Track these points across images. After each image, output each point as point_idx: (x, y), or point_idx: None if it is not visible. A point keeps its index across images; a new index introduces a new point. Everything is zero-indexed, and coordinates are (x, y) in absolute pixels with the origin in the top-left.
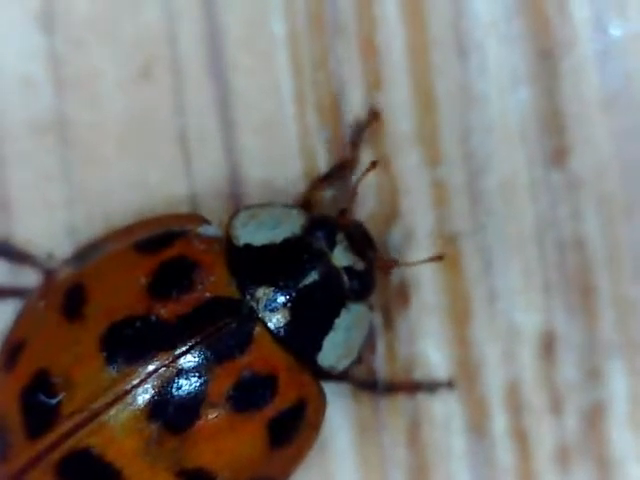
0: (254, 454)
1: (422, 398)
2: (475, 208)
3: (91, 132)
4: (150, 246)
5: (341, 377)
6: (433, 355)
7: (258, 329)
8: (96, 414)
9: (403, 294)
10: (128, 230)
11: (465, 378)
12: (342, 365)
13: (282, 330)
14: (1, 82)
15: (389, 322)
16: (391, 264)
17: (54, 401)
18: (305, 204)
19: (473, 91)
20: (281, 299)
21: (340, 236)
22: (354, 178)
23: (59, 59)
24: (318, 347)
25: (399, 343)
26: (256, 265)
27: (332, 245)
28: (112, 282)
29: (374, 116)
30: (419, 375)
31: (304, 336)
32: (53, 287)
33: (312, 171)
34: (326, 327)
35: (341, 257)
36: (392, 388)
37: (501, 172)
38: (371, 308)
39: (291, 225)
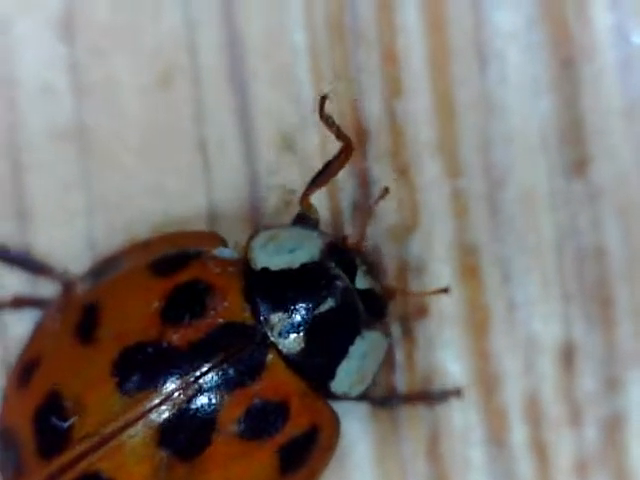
0: None
1: (441, 410)
2: (495, 218)
3: (111, 140)
4: (165, 268)
5: (355, 399)
6: (452, 366)
7: (271, 356)
8: (107, 439)
9: (422, 305)
10: (145, 246)
11: (484, 389)
12: (356, 391)
13: (295, 357)
14: (21, 90)
15: (408, 333)
16: (394, 292)
17: (66, 424)
18: (304, 212)
19: (493, 100)
20: (296, 326)
21: (359, 260)
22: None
23: (79, 67)
24: (331, 375)
25: (418, 354)
26: (272, 290)
27: (353, 269)
28: (125, 305)
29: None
30: (438, 386)
31: (317, 364)
32: (68, 305)
33: (332, 181)
34: (340, 355)
35: (362, 280)
36: (404, 400)
37: (521, 182)
38: (387, 335)
39: (310, 249)
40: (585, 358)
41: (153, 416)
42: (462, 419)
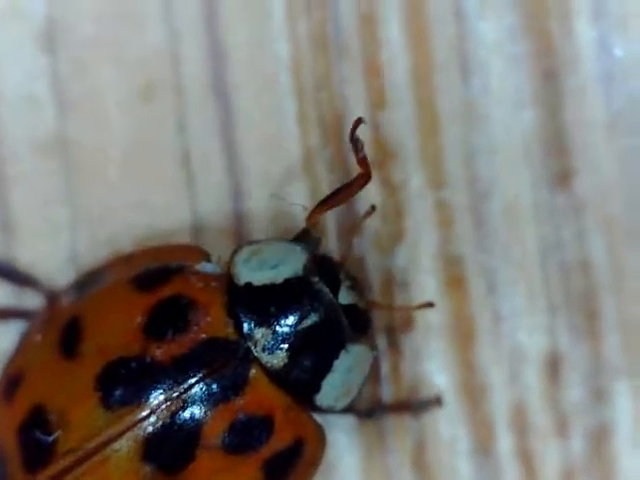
0: None
1: (427, 420)
2: (479, 230)
3: (94, 153)
4: (147, 282)
5: (340, 412)
6: (438, 377)
7: (254, 370)
8: (91, 453)
9: (407, 316)
10: (128, 259)
11: (470, 399)
12: (341, 404)
13: (279, 372)
14: (4, 102)
15: (394, 344)
16: (378, 306)
17: (50, 439)
18: (308, 229)
19: (477, 112)
20: (279, 341)
21: (343, 275)
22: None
23: (62, 80)
24: (316, 389)
25: (404, 365)
26: (255, 305)
27: (337, 284)
28: (108, 320)
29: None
30: (423, 397)
31: (302, 378)
32: (52, 319)
33: (315, 191)
34: (325, 369)
35: (346, 295)
36: (387, 411)
37: (505, 194)
38: (373, 348)
39: (293, 264)
40: (571, 369)
41: (137, 431)
42: (448, 429)
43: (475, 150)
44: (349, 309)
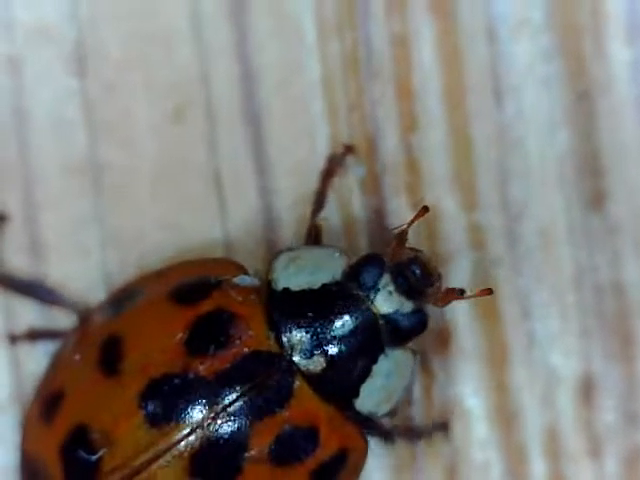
0: None
1: (460, 444)
2: (513, 253)
3: (124, 175)
4: (186, 297)
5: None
6: (470, 400)
7: (297, 382)
8: (137, 471)
9: (441, 339)
10: (163, 275)
11: (503, 423)
12: (382, 410)
13: (320, 381)
14: (35, 125)
15: (427, 367)
16: (452, 296)
17: (94, 457)
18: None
19: (510, 135)
20: (316, 346)
21: (385, 279)
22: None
23: (92, 102)
24: (355, 393)
25: (436, 388)
26: (292, 311)
27: (375, 291)
28: (149, 336)
29: (347, 150)
30: (457, 421)
31: (341, 383)
32: (89, 337)
33: (347, 214)
34: (363, 374)
35: (384, 303)
36: (391, 435)
37: (539, 216)
38: (415, 353)
39: (332, 269)
40: (604, 392)
41: (183, 446)
42: (480, 453)
43: (508, 173)
44: (393, 314)
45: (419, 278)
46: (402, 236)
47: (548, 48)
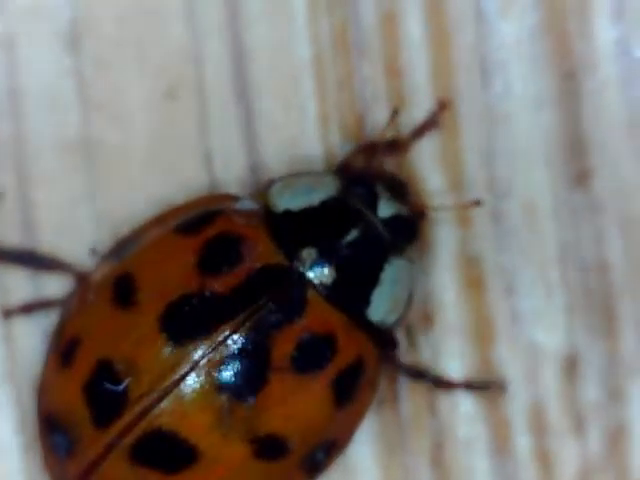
0: (321, 415)
1: (445, 419)
2: (498, 230)
3: (117, 152)
4: (192, 227)
5: (395, 363)
6: (456, 375)
7: (310, 291)
8: (165, 393)
9: (426, 315)
10: (164, 218)
11: (488, 399)
12: (390, 320)
13: (332, 289)
14: (28, 102)
15: (412, 342)
16: (427, 208)
17: (121, 387)
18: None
19: (496, 113)
20: (326, 259)
21: (380, 187)
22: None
23: (86, 79)
24: (367, 302)
25: (422, 362)
26: (298, 229)
27: (375, 198)
28: (160, 266)
29: (442, 106)
30: (442, 396)
31: (353, 293)
32: (98, 282)
33: None
34: (373, 281)
35: (387, 207)
36: (442, 384)
37: (524, 194)
38: (412, 262)
39: (326, 188)
40: (588, 368)
41: (207, 364)
42: (466, 429)
43: (494, 150)
44: (391, 220)
45: (403, 184)
46: (374, 147)
47: (535, 27)
